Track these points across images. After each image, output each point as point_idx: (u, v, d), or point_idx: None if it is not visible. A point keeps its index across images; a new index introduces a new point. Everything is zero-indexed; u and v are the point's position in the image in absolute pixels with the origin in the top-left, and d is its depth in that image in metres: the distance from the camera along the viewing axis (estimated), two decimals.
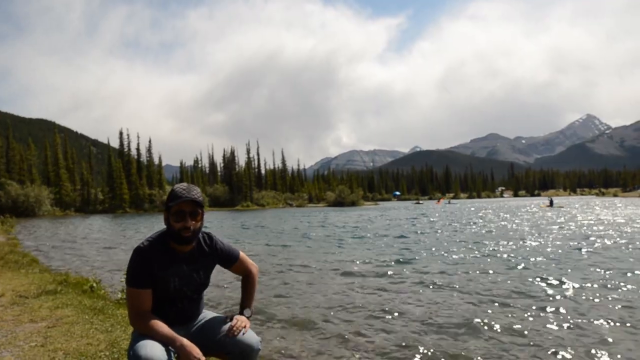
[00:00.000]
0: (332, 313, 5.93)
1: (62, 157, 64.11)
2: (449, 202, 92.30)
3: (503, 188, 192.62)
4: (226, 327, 2.26)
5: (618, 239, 14.33)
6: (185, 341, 2.07)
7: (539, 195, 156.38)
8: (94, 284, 6.66)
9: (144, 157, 73.57)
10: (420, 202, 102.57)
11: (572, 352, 4.28)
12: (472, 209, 50.30)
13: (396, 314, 5.79)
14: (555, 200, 56.12)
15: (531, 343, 4.54)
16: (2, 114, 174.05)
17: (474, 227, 21.74)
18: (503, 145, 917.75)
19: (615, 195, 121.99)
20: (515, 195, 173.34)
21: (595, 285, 7.26)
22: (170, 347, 2.08)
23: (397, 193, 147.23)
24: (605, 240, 13.84)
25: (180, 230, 2.19)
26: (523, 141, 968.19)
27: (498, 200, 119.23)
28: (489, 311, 5.78)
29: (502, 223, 23.86)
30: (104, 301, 5.59)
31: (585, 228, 19.03)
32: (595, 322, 5.21)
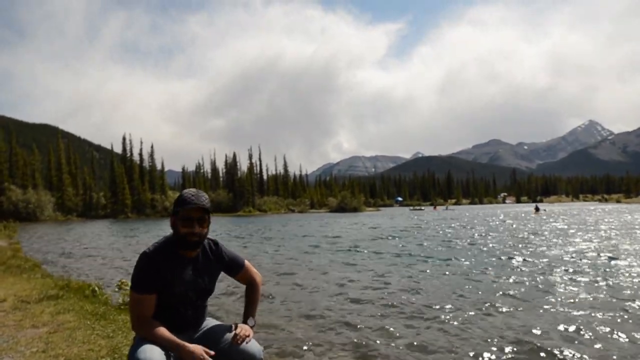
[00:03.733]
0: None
1: (65, 162, 64.47)
2: (447, 208, 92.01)
3: (505, 194, 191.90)
4: (229, 335, 2.27)
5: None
6: (190, 346, 2.08)
7: (541, 201, 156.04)
8: (96, 289, 6.65)
9: (146, 163, 73.99)
10: (422, 208, 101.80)
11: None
12: (468, 214, 50.23)
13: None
14: (541, 207, 58.59)
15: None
16: (5, 119, 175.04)
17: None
18: (505, 151, 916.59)
19: (618, 202, 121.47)
20: (518, 201, 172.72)
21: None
22: (171, 353, 2.08)
23: (399, 199, 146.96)
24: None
25: (186, 235, 2.23)
26: (525, 147, 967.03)
27: (497, 206, 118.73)
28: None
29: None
30: (106, 307, 5.58)
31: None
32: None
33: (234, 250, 2.53)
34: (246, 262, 2.54)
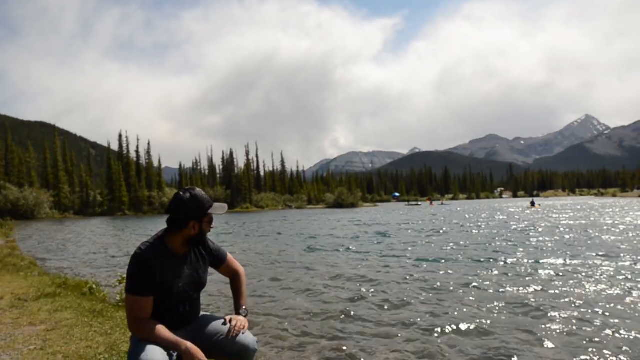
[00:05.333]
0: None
1: (61, 160, 64.04)
2: (442, 204, 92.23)
3: (502, 189, 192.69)
4: (225, 328, 2.29)
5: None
6: (190, 344, 2.09)
7: (537, 195, 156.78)
8: (93, 287, 6.65)
9: (143, 160, 73.70)
10: (418, 203, 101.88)
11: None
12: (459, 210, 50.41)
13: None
14: (537, 201, 59.37)
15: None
16: (0, 117, 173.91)
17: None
18: (502, 146, 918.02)
19: (614, 196, 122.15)
20: (515, 196, 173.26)
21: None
22: (172, 352, 2.09)
23: (397, 194, 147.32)
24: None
25: (206, 233, 2.38)
26: (522, 142, 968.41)
27: (494, 201, 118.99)
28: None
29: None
30: (103, 304, 5.59)
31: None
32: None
33: (217, 243, 2.58)
34: (228, 254, 2.58)
